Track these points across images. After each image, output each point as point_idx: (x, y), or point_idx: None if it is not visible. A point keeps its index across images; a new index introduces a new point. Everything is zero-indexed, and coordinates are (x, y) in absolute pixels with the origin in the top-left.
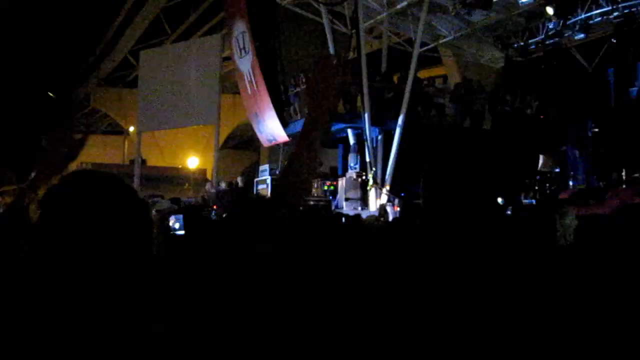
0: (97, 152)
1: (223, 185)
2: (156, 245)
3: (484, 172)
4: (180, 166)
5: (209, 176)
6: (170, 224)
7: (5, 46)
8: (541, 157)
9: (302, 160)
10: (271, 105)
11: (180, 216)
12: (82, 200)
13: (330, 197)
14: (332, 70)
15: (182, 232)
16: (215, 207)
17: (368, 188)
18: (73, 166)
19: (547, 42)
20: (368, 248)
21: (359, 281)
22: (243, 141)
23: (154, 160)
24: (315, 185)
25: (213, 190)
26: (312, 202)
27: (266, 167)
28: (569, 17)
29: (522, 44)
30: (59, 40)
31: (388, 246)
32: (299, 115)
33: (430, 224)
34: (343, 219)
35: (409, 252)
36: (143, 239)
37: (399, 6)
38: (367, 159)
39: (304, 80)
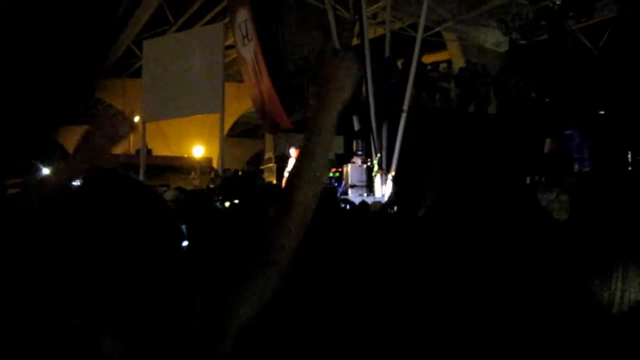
0: None
1: (228, 173)
2: None
3: (494, 159)
4: (186, 155)
5: (214, 165)
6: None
7: (12, 40)
8: (546, 141)
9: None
10: (275, 92)
11: (183, 226)
12: (111, 203)
13: (336, 184)
14: (339, 67)
15: (185, 243)
16: (221, 197)
17: (373, 174)
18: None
19: (551, 25)
20: (374, 236)
21: (366, 271)
22: (248, 129)
23: (159, 150)
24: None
25: (219, 179)
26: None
27: (271, 154)
28: None
29: (526, 27)
30: (64, 32)
31: (394, 235)
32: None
33: (442, 212)
34: (348, 206)
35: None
36: (171, 241)
37: None
38: (372, 145)
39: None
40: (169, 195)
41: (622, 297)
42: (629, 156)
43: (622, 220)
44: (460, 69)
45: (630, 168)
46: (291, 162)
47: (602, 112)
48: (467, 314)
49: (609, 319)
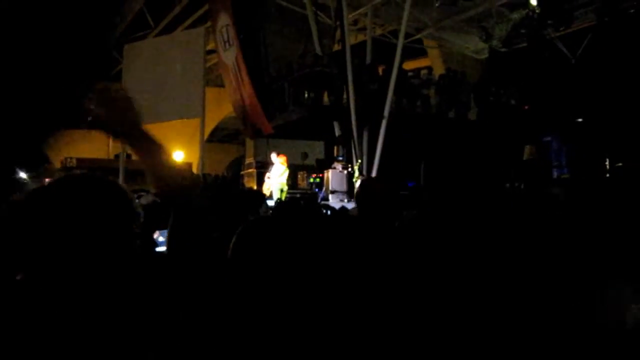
0: (82, 147)
1: (209, 179)
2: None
3: (478, 165)
4: None
5: (194, 170)
6: (155, 237)
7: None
8: (525, 148)
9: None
10: (256, 97)
11: (165, 231)
12: (63, 200)
13: (316, 190)
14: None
15: (162, 248)
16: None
17: (354, 180)
18: (57, 161)
19: (531, 33)
20: (357, 241)
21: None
22: (228, 134)
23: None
24: (301, 178)
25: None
26: (297, 195)
27: (252, 160)
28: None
29: (506, 34)
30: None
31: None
32: (290, 104)
33: (434, 216)
34: (328, 211)
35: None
36: (123, 235)
37: None
38: (353, 151)
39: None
40: (145, 200)
41: (616, 312)
42: (607, 163)
43: (609, 229)
44: (440, 76)
45: (608, 175)
46: (273, 168)
47: (580, 120)
48: (453, 321)
49: (603, 335)
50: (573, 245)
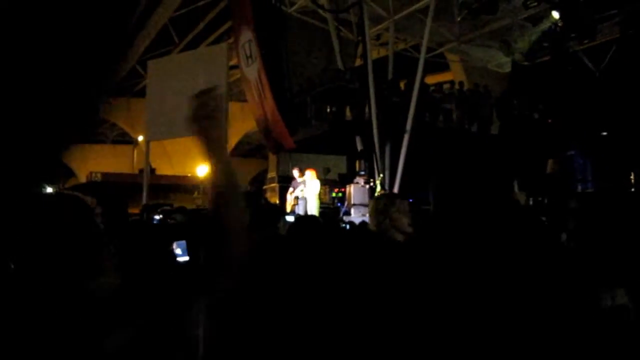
0: (106, 161)
1: None
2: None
3: (494, 178)
4: (189, 174)
5: None
6: (173, 249)
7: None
8: (549, 162)
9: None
10: (278, 112)
11: (183, 242)
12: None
13: (339, 204)
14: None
15: (185, 259)
16: None
17: (376, 194)
18: (82, 175)
19: (554, 46)
20: (375, 256)
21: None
22: (251, 149)
23: (163, 169)
24: (323, 192)
25: None
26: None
27: (274, 174)
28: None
29: (528, 48)
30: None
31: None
32: (313, 119)
33: (443, 230)
34: (347, 226)
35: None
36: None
37: (404, 12)
38: (375, 166)
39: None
40: (177, 219)
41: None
42: (632, 177)
43: (627, 241)
44: (460, 90)
45: (633, 189)
46: (307, 185)
47: (604, 133)
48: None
49: (616, 338)
50: (588, 264)
